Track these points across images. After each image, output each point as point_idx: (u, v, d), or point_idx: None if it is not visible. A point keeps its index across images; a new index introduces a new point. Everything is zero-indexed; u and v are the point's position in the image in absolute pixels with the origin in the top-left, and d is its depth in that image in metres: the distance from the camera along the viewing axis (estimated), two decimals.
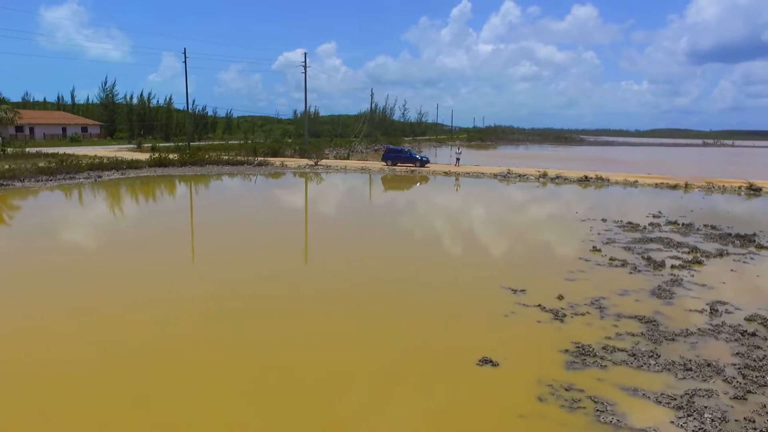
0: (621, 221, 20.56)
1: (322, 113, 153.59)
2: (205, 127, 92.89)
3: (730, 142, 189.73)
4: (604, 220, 20.79)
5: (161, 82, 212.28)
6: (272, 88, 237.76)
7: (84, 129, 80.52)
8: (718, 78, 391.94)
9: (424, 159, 43.38)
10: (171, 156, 44.55)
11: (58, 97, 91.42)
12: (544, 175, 37.37)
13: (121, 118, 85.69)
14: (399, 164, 43.82)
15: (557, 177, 36.91)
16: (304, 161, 46.02)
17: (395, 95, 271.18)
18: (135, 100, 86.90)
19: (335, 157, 53.31)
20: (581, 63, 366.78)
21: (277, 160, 47.84)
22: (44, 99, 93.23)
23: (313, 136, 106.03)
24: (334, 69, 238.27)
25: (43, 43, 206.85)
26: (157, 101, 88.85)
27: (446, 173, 40.15)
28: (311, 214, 24.17)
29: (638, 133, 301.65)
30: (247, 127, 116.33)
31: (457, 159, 45.05)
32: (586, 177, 36.26)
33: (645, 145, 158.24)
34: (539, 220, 22.38)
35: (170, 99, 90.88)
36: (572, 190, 33.60)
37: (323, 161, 46.88)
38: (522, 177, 37.73)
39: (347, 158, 52.52)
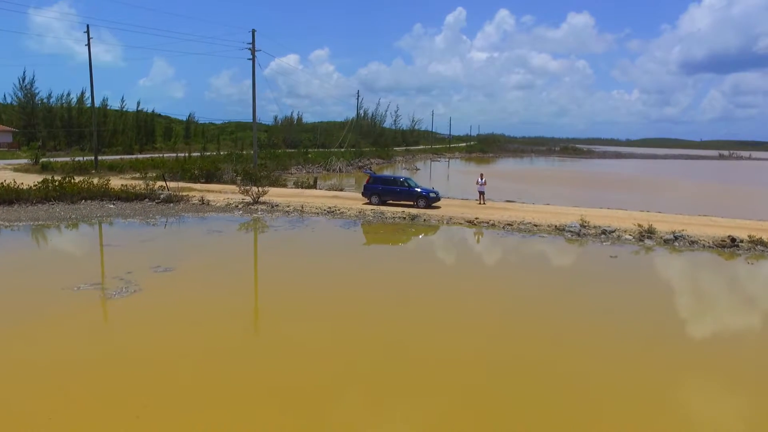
0: None
1: (313, 120, 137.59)
2: (151, 135, 75.45)
3: (747, 154, 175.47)
4: None
5: (152, 86, 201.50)
6: (263, 94, 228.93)
7: None
8: (708, 88, 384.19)
9: (432, 195, 26.72)
10: (28, 186, 27.84)
11: None
12: (650, 232, 20.92)
13: (41, 123, 68.06)
14: (390, 202, 27.29)
15: (675, 237, 20.46)
16: (253, 187, 28.54)
17: (387, 102, 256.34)
18: (63, 101, 69.67)
19: (296, 184, 36.46)
20: (574, 72, 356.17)
21: (202, 191, 31.08)
22: None
23: (290, 146, 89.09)
24: (326, 75, 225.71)
25: (33, 45, 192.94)
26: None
27: (471, 223, 23.57)
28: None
29: (629, 143, 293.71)
30: (214, 134, 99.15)
31: (481, 193, 28.62)
32: (733, 240, 19.81)
33: (657, 157, 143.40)
34: None
35: (122, 102, 73.96)
36: (731, 273, 17.34)
37: (273, 191, 30.21)
38: (609, 235, 21.24)
39: (314, 185, 35.72)
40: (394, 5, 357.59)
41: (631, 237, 21.02)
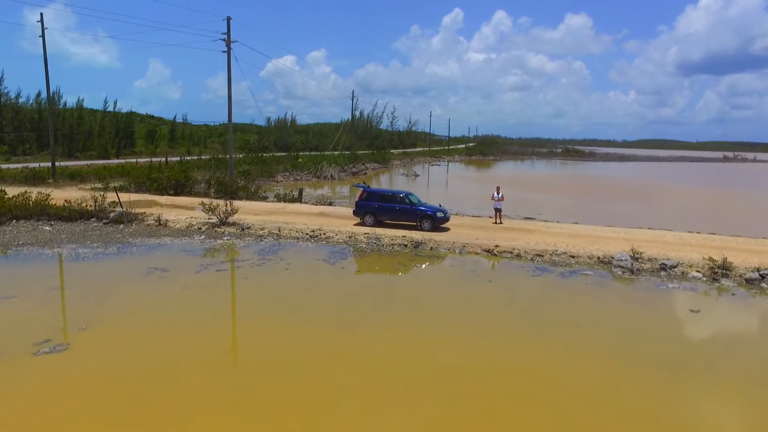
0: None
1: (310, 121, 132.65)
2: (130, 138, 70.25)
3: (751, 156, 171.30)
4: None
5: (148, 88, 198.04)
6: (260, 96, 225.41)
7: None
8: (704, 89, 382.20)
9: (439, 215, 21.74)
10: None
11: None
12: (725, 269, 16.11)
13: (9, 124, 62.77)
14: (389, 221, 22.46)
15: (762, 276, 15.68)
16: (220, 203, 23.36)
17: (384, 103, 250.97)
18: (33, 101, 64.41)
19: (278, 197, 31.50)
20: (571, 73, 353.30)
21: (166, 206, 26.18)
22: None
23: (281, 149, 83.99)
24: (323, 76, 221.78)
25: (28, 46, 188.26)
26: (65, 103, 66.25)
27: (490, 253, 18.71)
28: None
29: (625, 144, 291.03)
30: (201, 136, 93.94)
31: (498, 210, 23.81)
32: None
33: (661, 159, 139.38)
34: None
35: (105, 102, 68.73)
36: None
37: (248, 208, 25.35)
38: (670, 271, 16.43)
39: (299, 198, 30.77)
40: (391, 7, 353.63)
41: (699, 274, 16.21)
